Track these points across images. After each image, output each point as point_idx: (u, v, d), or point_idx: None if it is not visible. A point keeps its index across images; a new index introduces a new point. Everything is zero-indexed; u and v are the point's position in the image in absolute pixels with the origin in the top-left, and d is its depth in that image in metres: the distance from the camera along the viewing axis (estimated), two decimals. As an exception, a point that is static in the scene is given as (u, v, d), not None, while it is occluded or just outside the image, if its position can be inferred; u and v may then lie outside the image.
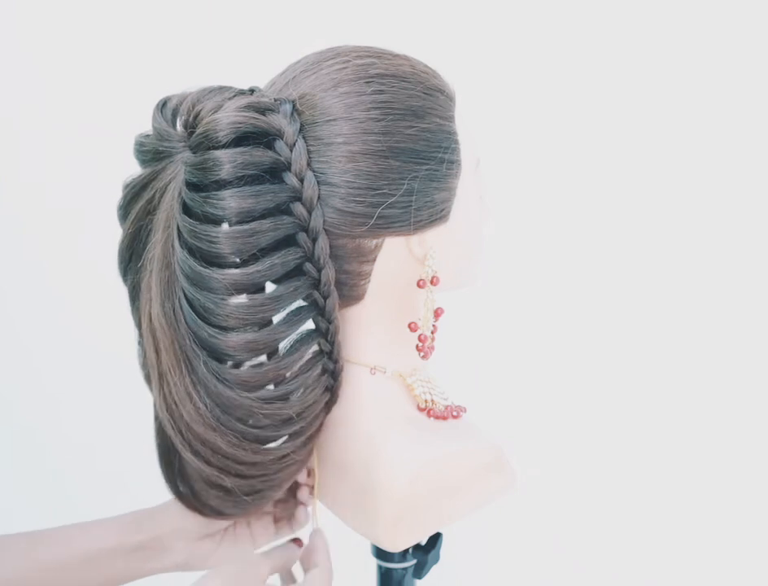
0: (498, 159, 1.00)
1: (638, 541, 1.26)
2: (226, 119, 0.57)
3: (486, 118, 0.94)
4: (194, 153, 0.59)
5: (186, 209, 0.59)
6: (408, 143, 0.60)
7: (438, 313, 0.66)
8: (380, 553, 0.78)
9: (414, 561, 0.77)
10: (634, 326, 1.21)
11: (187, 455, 0.64)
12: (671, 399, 1.21)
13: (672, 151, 1.16)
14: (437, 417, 0.69)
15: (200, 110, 0.60)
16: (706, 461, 1.22)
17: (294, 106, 0.60)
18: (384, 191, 0.60)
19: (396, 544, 0.68)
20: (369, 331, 0.68)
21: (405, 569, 0.78)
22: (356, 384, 0.69)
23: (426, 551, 0.77)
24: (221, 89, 0.64)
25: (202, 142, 0.58)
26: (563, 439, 1.24)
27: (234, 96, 0.62)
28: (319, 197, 0.59)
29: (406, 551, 0.77)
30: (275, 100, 0.61)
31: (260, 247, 0.58)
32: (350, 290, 0.65)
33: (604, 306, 1.21)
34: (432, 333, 0.67)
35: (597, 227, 1.19)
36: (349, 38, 0.67)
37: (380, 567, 0.79)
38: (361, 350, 0.69)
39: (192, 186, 0.59)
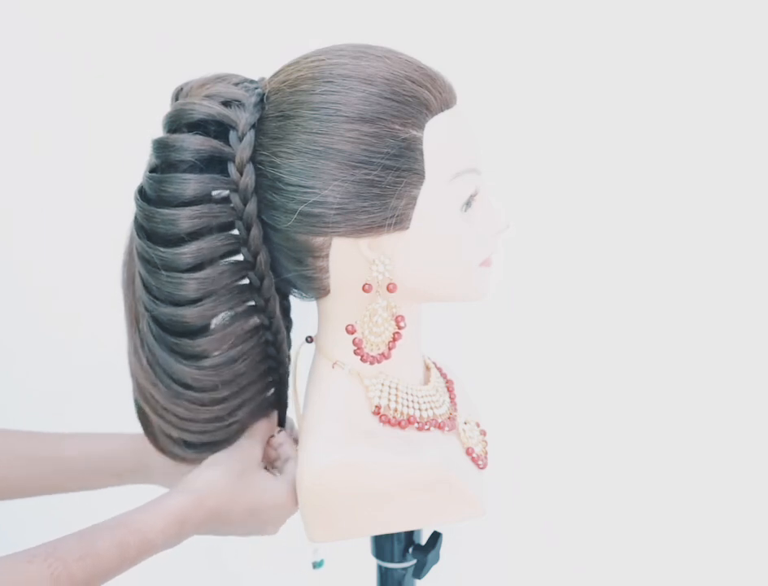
0: (500, 162, 0.99)
1: (638, 542, 1.25)
2: (189, 106, 0.61)
3: (488, 122, 0.94)
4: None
5: (142, 191, 0.63)
6: (345, 146, 0.58)
7: (398, 320, 0.65)
8: (380, 553, 0.77)
9: (414, 561, 0.77)
10: (635, 329, 1.21)
11: (141, 403, 0.72)
12: (671, 397, 1.21)
13: (672, 157, 1.14)
14: (388, 423, 0.67)
15: (177, 93, 0.65)
16: (705, 465, 1.22)
17: (261, 98, 0.63)
18: (314, 190, 0.59)
19: (313, 535, 0.69)
20: (335, 325, 0.68)
21: (405, 569, 0.78)
22: (320, 374, 0.70)
23: (426, 551, 0.76)
24: (226, 77, 0.66)
25: (168, 124, 0.63)
26: (563, 439, 1.23)
27: (227, 84, 0.64)
28: (257, 188, 0.62)
29: (406, 551, 0.77)
30: (251, 91, 0.63)
31: (194, 230, 0.62)
32: (315, 283, 0.65)
33: (606, 310, 1.20)
34: (393, 340, 0.66)
35: (599, 231, 1.18)
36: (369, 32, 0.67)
37: (380, 567, 0.79)
38: (328, 342, 0.69)
39: (151, 168, 0.63)
